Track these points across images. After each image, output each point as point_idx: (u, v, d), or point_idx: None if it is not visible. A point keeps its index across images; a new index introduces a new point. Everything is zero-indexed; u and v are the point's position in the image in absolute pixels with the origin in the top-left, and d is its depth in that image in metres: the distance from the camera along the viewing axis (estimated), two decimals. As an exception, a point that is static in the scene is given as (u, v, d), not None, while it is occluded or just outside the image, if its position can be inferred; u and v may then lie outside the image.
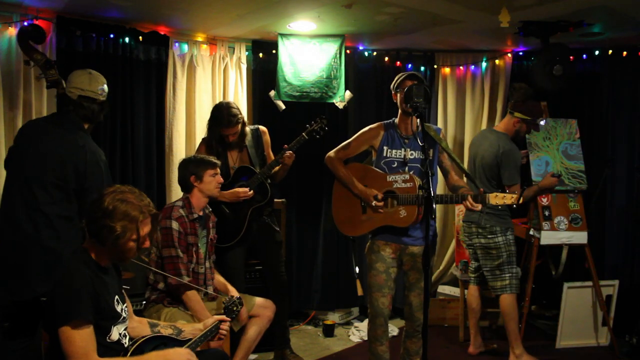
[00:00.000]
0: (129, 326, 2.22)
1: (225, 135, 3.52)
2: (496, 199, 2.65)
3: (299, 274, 4.74)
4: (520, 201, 2.70)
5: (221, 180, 3.13)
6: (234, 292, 3.06)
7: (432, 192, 2.44)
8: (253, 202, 3.51)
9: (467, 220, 3.76)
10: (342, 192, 3.07)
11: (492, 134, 3.75)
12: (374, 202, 2.89)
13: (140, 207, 2.00)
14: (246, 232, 3.51)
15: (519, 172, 3.63)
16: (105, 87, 2.70)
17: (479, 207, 2.69)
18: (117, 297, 2.09)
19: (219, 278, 3.17)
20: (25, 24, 3.51)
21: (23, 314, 2.45)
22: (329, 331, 4.42)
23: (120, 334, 2.07)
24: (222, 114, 3.49)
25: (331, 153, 3.10)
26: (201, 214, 3.04)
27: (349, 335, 4.40)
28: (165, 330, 2.35)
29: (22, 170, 2.52)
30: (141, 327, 2.33)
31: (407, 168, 2.93)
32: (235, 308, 2.53)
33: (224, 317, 2.44)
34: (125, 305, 2.16)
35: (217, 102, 4.21)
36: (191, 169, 3.02)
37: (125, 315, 2.13)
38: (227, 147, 3.58)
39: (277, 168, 3.58)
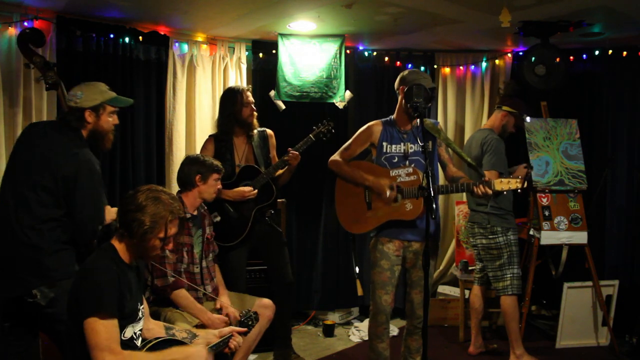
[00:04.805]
0: (145, 327, 2.23)
1: (244, 118, 3.51)
2: (501, 184, 2.70)
3: (299, 274, 4.71)
4: (525, 185, 2.73)
5: (220, 186, 3.14)
6: (223, 297, 3.05)
7: (432, 192, 2.46)
8: (258, 202, 3.49)
9: (471, 221, 3.79)
10: (345, 190, 3.06)
11: (478, 132, 3.88)
12: (389, 191, 2.86)
13: (172, 208, 2.08)
14: (249, 232, 3.48)
15: (503, 162, 3.65)
16: (77, 92, 2.60)
17: (490, 191, 2.71)
18: (136, 296, 2.11)
19: (219, 277, 3.17)
20: (26, 24, 3.52)
21: (24, 314, 2.46)
22: (329, 331, 4.42)
23: (134, 333, 2.09)
24: (232, 88, 3.60)
25: (335, 156, 3.09)
26: (195, 213, 3.04)
27: (349, 335, 4.40)
28: (180, 334, 2.35)
29: (16, 172, 2.54)
30: (157, 329, 2.35)
31: (407, 162, 2.94)
32: (250, 323, 2.53)
33: (239, 329, 2.43)
34: (142, 305, 2.17)
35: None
36: (198, 167, 3.03)
37: (141, 316, 2.14)
38: (238, 135, 3.57)
39: (281, 171, 3.56)
